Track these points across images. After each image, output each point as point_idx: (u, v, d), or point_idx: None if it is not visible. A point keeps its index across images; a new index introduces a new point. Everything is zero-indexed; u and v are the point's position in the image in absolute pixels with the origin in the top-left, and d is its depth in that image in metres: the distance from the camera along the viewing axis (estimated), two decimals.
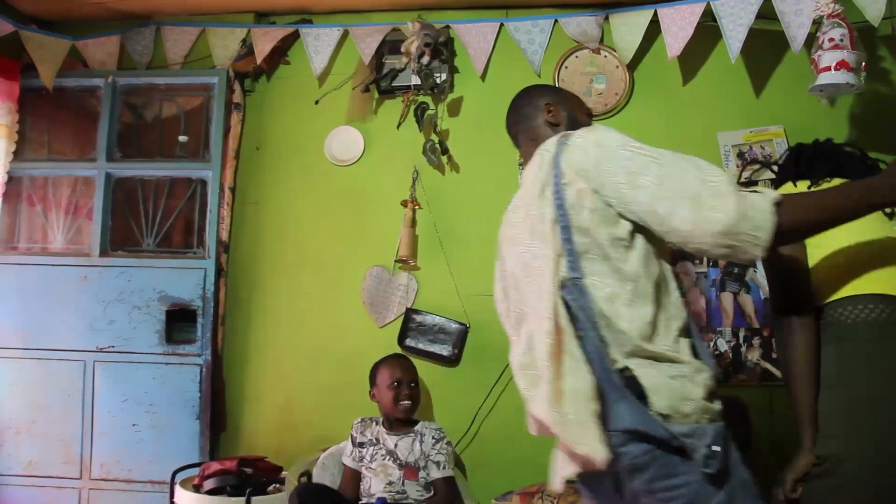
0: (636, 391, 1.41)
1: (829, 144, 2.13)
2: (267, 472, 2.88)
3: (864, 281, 1.76)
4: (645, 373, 1.42)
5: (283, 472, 2.88)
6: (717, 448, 1.40)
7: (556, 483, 1.56)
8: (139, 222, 3.39)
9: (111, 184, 3.38)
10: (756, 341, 3.03)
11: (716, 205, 1.39)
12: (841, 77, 2.61)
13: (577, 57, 3.26)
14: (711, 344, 3.06)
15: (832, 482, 1.69)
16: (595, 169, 1.49)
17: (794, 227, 1.43)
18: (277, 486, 2.84)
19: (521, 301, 1.64)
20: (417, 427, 2.90)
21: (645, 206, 1.45)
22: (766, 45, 3.06)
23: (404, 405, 2.88)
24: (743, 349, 3.04)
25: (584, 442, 1.41)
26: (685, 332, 1.51)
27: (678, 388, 1.42)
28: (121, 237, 3.38)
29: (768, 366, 2.99)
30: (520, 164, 3.22)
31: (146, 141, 3.49)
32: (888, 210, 1.83)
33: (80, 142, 3.47)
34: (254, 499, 2.67)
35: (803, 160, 2.06)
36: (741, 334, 3.05)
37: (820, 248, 1.82)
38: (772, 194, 1.41)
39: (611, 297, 1.46)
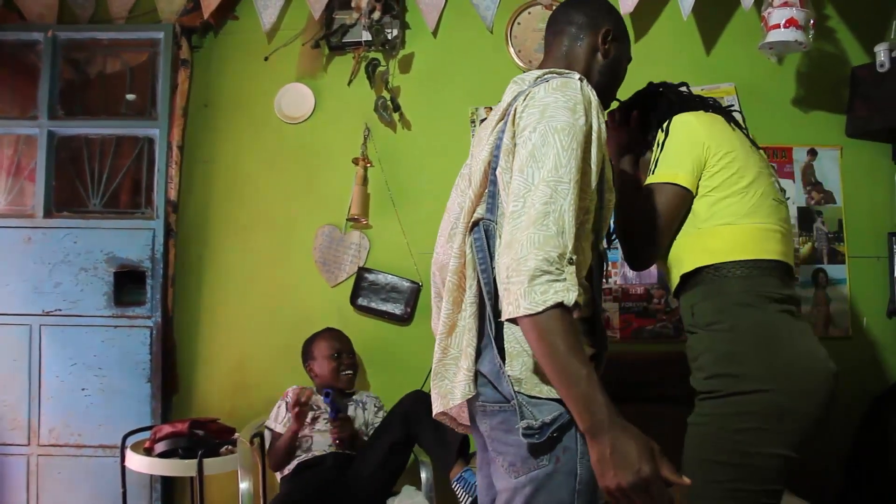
0: (500, 346, 1.39)
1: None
2: (219, 433, 2.87)
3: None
4: (510, 336, 1.39)
5: (236, 434, 2.86)
6: (550, 425, 1.32)
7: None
8: (85, 182, 3.30)
9: (54, 142, 3.28)
10: None
11: (526, 238, 1.26)
12: (790, 35, 2.63)
13: (529, 13, 3.23)
14: (662, 300, 3.10)
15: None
16: (519, 115, 1.40)
17: (539, 328, 1.24)
18: (230, 447, 2.82)
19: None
20: (356, 396, 2.96)
21: (511, 174, 1.37)
22: (717, 3, 3.08)
23: (346, 375, 2.92)
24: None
25: (449, 378, 1.45)
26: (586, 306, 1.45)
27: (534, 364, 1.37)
28: (66, 197, 3.29)
29: None
30: (472, 122, 3.20)
31: (90, 98, 3.38)
32: (778, 188, 1.87)
33: (20, 99, 3.33)
34: (206, 460, 2.66)
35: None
36: None
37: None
38: (565, 296, 1.23)
39: None
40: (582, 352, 1.25)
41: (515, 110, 1.40)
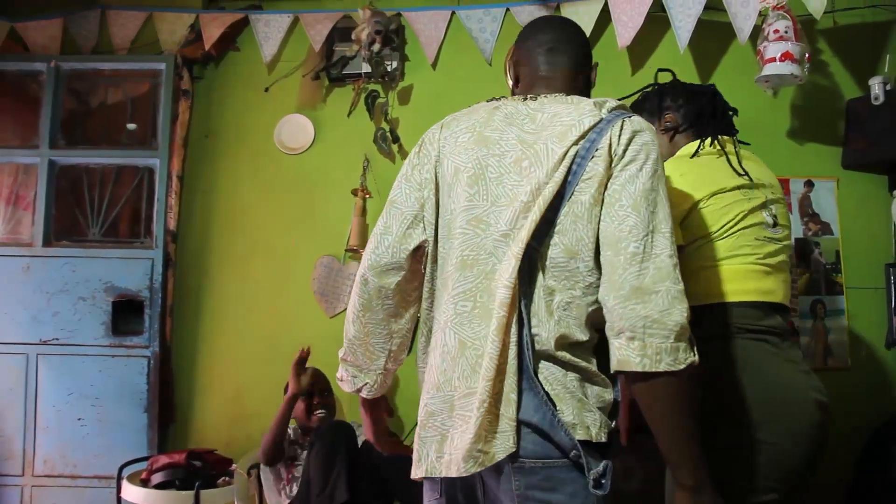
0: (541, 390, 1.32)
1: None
2: (216, 464, 2.86)
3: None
4: (550, 377, 1.33)
5: (233, 465, 2.85)
6: (605, 475, 1.30)
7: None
8: (84, 211, 3.31)
9: (55, 171, 3.30)
10: None
11: (666, 290, 1.26)
12: (786, 68, 2.66)
13: None
14: None
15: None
16: (621, 145, 1.34)
17: (675, 387, 1.26)
18: (227, 478, 2.81)
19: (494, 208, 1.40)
20: None
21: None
22: (713, 36, 3.11)
23: (318, 415, 2.86)
24: None
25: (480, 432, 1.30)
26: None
27: (585, 389, 1.35)
28: (65, 226, 3.30)
29: None
30: None
31: (91, 128, 3.41)
32: (770, 222, 1.82)
33: (22, 128, 3.36)
34: (203, 492, 2.65)
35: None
36: None
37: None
38: (696, 357, 1.27)
39: (551, 290, 1.35)
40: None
41: (611, 139, 1.34)
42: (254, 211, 3.32)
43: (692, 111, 1.96)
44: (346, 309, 3.17)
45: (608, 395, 1.38)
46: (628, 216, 1.29)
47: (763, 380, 1.66)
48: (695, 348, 1.27)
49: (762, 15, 2.81)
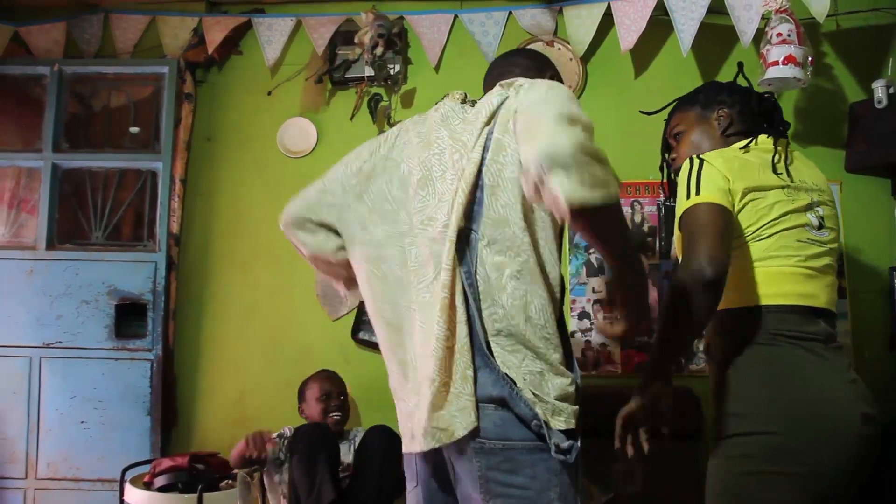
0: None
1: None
2: (219, 467, 2.85)
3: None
4: (503, 357, 1.37)
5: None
6: (571, 451, 1.34)
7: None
8: (87, 214, 3.32)
9: (58, 175, 3.30)
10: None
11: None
12: (789, 72, 2.66)
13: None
14: None
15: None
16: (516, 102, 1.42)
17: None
18: (230, 481, 2.80)
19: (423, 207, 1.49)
20: (350, 434, 2.92)
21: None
22: (716, 40, 3.11)
23: (334, 417, 2.87)
24: (695, 340, 3.09)
25: (457, 406, 1.35)
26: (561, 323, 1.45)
27: (537, 381, 1.37)
28: (68, 230, 3.31)
29: None
30: None
31: (94, 131, 3.42)
32: (815, 224, 1.76)
33: (25, 132, 3.37)
34: (206, 495, 2.64)
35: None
36: None
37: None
38: None
39: (499, 265, 1.38)
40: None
41: (509, 105, 1.42)
42: (256, 214, 3.32)
43: (747, 112, 1.91)
44: (348, 312, 3.19)
45: (568, 384, 1.40)
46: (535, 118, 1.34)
47: (801, 390, 1.60)
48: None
49: (765, 18, 2.81)
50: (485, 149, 1.40)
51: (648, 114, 2.31)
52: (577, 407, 1.40)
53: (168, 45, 3.34)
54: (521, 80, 1.47)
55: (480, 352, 1.36)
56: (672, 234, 3.01)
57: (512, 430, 1.34)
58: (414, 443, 1.42)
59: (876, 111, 2.92)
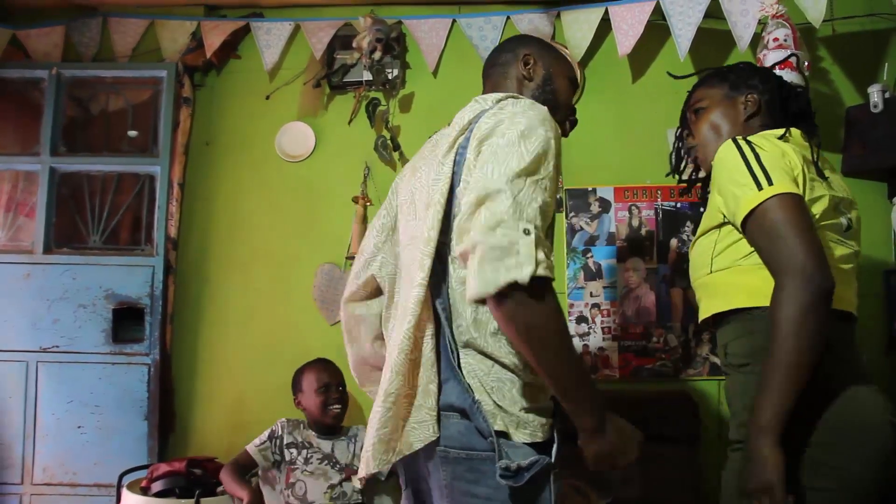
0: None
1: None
2: (217, 472, 2.84)
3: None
4: (469, 371, 1.37)
5: None
6: (526, 470, 1.29)
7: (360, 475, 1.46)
8: (85, 218, 3.31)
9: (56, 179, 3.29)
10: (705, 336, 3.09)
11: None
12: (785, 76, 2.66)
13: None
14: (661, 339, 3.10)
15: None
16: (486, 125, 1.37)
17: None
18: None
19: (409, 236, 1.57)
20: (350, 431, 2.91)
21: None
22: (713, 45, 3.12)
23: (334, 410, 2.84)
24: (692, 344, 3.10)
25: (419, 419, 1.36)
26: None
27: (504, 391, 1.36)
28: (66, 233, 3.30)
29: (717, 360, 3.05)
30: None
31: (92, 135, 3.41)
32: (844, 225, 1.68)
33: (23, 135, 3.36)
34: (203, 500, 2.64)
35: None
36: (690, 329, 3.10)
37: None
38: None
39: (463, 278, 1.36)
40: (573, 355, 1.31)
41: (482, 124, 1.37)
42: (255, 218, 3.33)
43: (774, 103, 1.82)
44: None
45: (542, 395, 1.40)
46: (474, 176, 1.31)
47: (840, 401, 1.49)
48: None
49: (762, 23, 2.83)
50: (455, 163, 1.40)
51: (677, 77, 2.18)
52: (548, 419, 1.38)
53: (166, 48, 3.34)
54: (489, 104, 1.43)
55: (448, 364, 1.37)
56: (670, 237, 3.03)
57: (475, 439, 1.34)
58: (363, 467, 1.43)
59: (872, 115, 2.93)
